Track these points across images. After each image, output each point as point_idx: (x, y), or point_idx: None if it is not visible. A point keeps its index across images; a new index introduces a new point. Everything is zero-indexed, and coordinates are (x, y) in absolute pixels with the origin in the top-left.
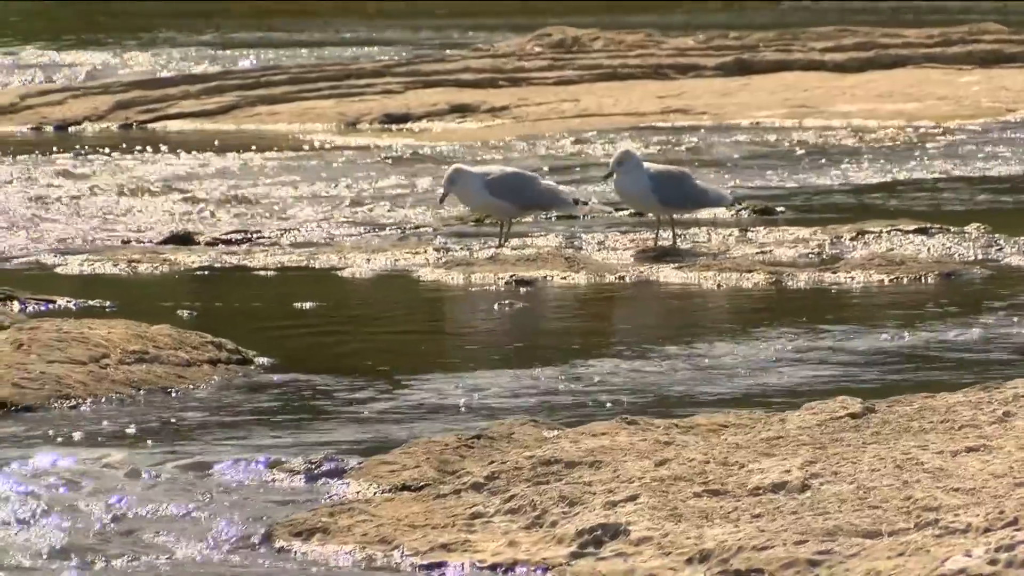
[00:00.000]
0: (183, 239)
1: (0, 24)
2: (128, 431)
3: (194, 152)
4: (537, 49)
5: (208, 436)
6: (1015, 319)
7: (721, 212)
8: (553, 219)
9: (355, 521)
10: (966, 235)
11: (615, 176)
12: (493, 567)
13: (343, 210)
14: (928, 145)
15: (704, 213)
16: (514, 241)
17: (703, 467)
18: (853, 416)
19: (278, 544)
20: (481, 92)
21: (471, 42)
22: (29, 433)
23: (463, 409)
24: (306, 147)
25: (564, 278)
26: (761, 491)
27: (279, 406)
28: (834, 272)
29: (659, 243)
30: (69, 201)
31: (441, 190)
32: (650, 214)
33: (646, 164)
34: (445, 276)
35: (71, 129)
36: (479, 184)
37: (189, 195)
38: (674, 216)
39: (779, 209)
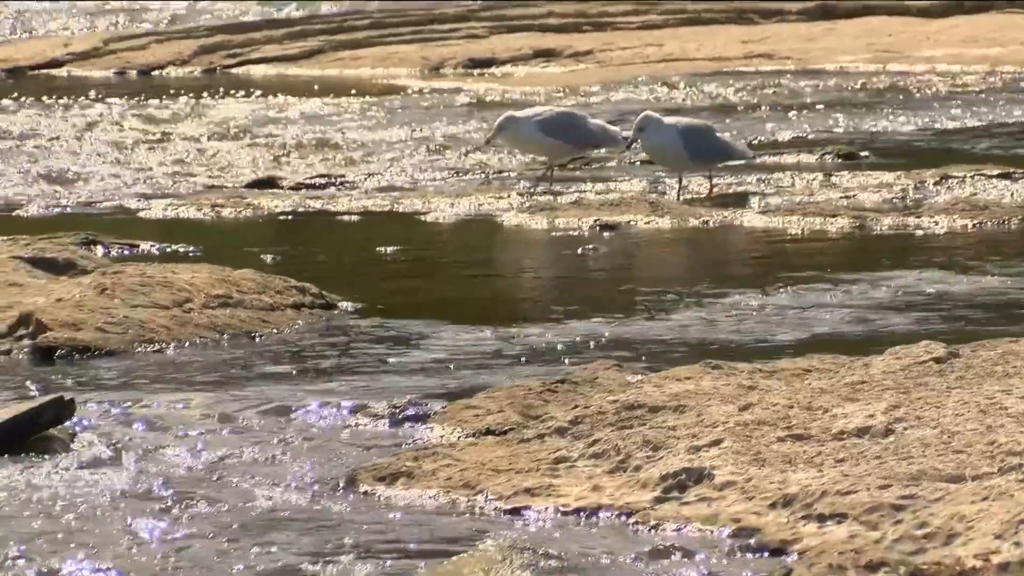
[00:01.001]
0: (267, 183)
1: None
2: (211, 376)
3: (278, 97)
4: None
5: (292, 381)
6: None
7: (805, 157)
8: (638, 164)
9: (439, 465)
10: None
11: (640, 141)
12: (577, 511)
13: (426, 155)
14: (1012, 90)
15: (788, 158)
16: (598, 186)
17: (787, 412)
18: (937, 361)
19: (362, 488)
20: (565, 37)
21: None
22: (112, 378)
23: (546, 354)
24: (389, 92)
25: (648, 223)
26: (845, 436)
27: (363, 351)
28: (918, 217)
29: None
30: (153, 146)
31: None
32: (678, 171)
33: (668, 120)
34: (528, 220)
35: (155, 74)
36: (532, 126)
37: (273, 140)
38: (703, 171)
39: (863, 154)
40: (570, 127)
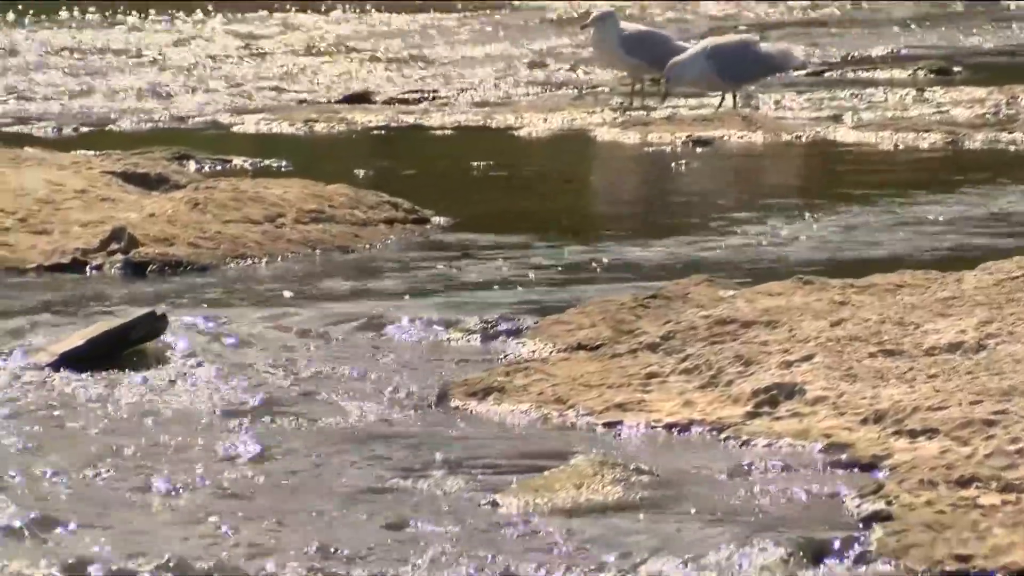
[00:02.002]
0: (360, 98)
1: None
2: (304, 291)
3: (372, 11)
4: None
5: (384, 296)
6: None
7: (898, 72)
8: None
9: (530, 380)
10: None
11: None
12: (668, 426)
13: (520, 69)
14: None
15: (881, 74)
16: (691, 101)
17: (878, 327)
18: None
19: (453, 404)
20: None
21: None
22: (204, 293)
23: (638, 269)
24: (484, 7)
25: (741, 137)
26: (936, 351)
27: (455, 266)
28: (1010, 132)
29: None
30: (246, 60)
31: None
32: (721, 90)
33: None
34: (621, 135)
35: None
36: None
37: (367, 54)
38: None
39: (955, 69)
40: (652, 45)
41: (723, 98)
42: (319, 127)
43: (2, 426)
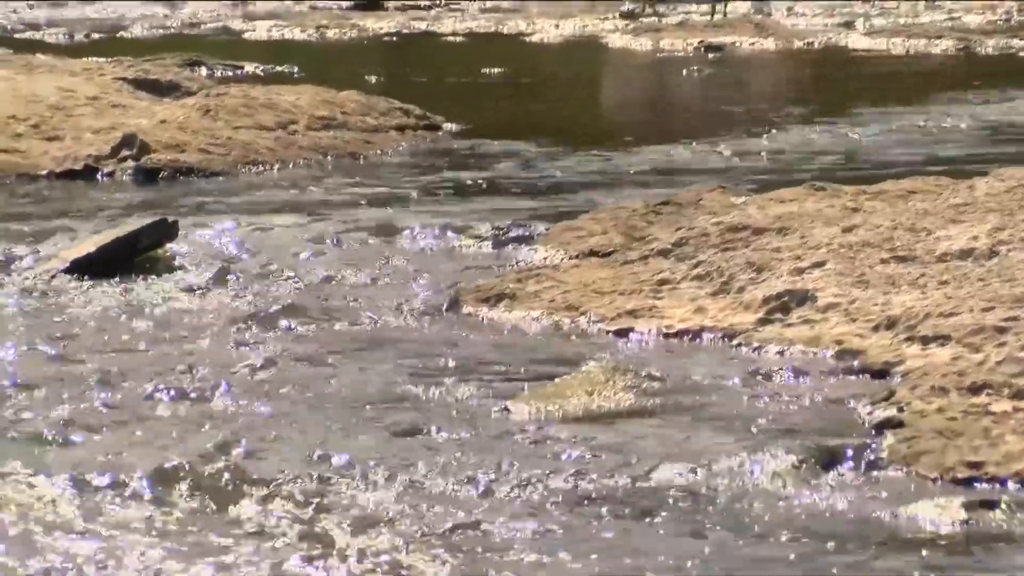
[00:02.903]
0: (372, 4)
1: None
2: (315, 197)
3: None
4: None
5: (395, 202)
6: None
7: None
8: None
9: (542, 287)
10: None
11: None
12: (680, 333)
13: None
14: None
15: None
16: (702, 7)
17: (890, 233)
18: None
19: (465, 310)
20: None
21: None
22: (216, 199)
23: (650, 175)
24: None
25: (752, 44)
26: (948, 258)
27: (466, 172)
28: (1022, 38)
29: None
30: None
31: None
32: None
33: None
34: (633, 42)
35: None
36: None
37: None
38: None
39: None
40: None
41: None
42: (330, 33)
43: (15, 331)
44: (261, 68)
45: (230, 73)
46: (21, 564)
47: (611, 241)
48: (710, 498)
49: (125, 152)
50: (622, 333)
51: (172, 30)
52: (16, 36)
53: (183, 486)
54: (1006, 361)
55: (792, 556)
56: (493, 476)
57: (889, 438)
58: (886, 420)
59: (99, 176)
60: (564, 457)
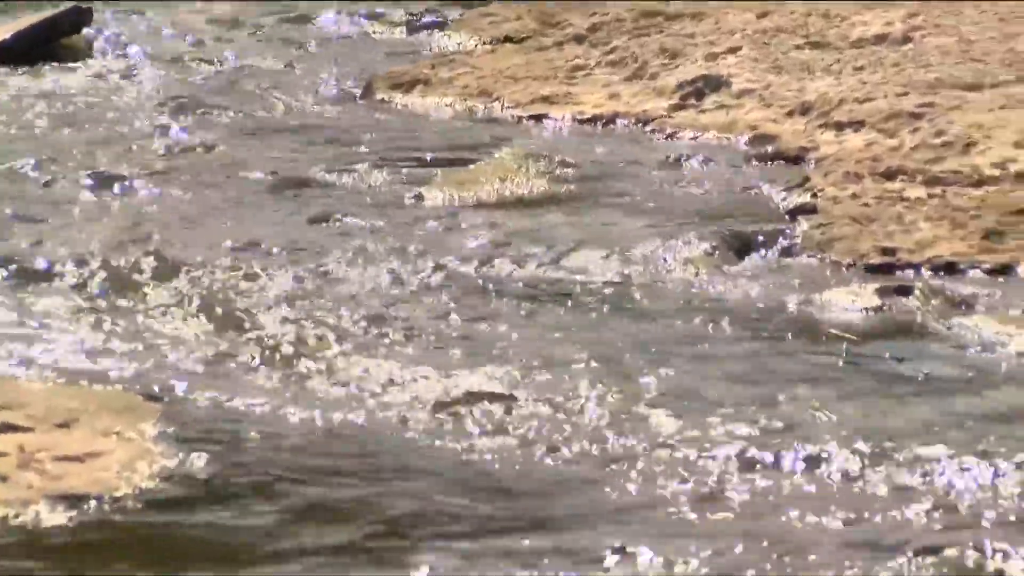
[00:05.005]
0: None
1: None
2: None
3: None
4: None
5: None
6: None
7: None
8: None
9: (456, 73)
10: None
11: None
12: (593, 119)
13: None
14: None
15: None
16: None
17: (805, 19)
18: None
19: (379, 96)
20: None
21: None
22: None
23: None
24: None
25: None
26: (863, 43)
27: None
28: None
29: None
30: None
31: None
32: None
33: None
34: None
35: None
36: None
37: None
38: None
39: None
40: None
41: None
42: None
43: None
44: None
45: None
46: None
47: (525, 27)
48: (623, 284)
49: None
50: (536, 119)
51: None
52: None
53: (101, 273)
54: (920, 147)
55: (706, 344)
56: (407, 262)
57: (803, 224)
58: (800, 206)
59: None
60: (477, 243)
